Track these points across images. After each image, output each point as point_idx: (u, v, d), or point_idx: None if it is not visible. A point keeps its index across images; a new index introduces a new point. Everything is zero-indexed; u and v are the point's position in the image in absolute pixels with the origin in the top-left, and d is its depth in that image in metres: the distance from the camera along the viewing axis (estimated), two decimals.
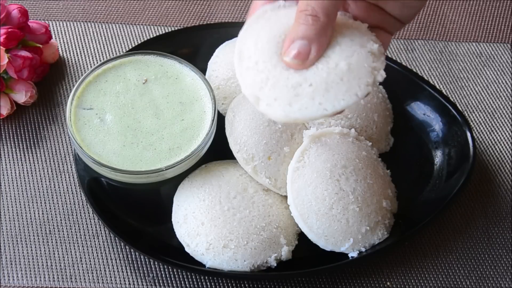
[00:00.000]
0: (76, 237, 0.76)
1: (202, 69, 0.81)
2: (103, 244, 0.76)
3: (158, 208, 0.77)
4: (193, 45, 0.87)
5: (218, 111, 0.78)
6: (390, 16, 0.63)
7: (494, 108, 0.88)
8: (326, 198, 0.71)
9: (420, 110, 0.83)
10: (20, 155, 0.82)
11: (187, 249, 0.72)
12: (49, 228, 0.77)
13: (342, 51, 0.57)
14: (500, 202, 0.80)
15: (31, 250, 0.75)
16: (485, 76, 0.92)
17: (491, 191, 0.81)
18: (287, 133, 0.75)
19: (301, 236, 0.74)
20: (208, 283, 0.74)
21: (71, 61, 0.90)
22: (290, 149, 0.75)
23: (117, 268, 0.74)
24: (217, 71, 0.82)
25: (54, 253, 0.75)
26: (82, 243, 0.76)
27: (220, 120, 0.76)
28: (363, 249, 0.72)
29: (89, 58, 0.91)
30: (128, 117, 0.74)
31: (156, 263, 0.75)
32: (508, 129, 0.86)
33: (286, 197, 0.74)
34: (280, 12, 0.60)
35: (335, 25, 0.58)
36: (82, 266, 0.74)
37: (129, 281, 0.74)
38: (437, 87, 0.88)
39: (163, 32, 0.93)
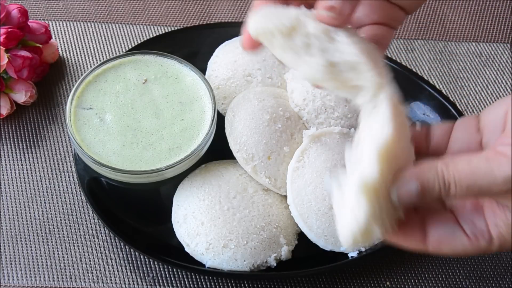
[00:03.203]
0: (76, 237, 0.76)
1: (202, 69, 0.81)
2: (103, 244, 0.76)
3: (158, 208, 0.77)
4: (193, 45, 0.87)
5: (218, 111, 0.78)
6: (395, 6, 0.63)
7: None
8: (325, 198, 0.71)
9: (420, 110, 0.83)
10: (20, 155, 0.82)
11: (187, 249, 0.72)
12: (49, 228, 0.77)
13: None
14: None
15: (31, 250, 0.75)
16: (485, 76, 0.92)
17: None
18: (287, 133, 0.75)
19: (301, 236, 0.74)
20: (208, 283, 0.74)
21: (71, 61, 0.90)
22: (290, 149, 0.75)
23: (117, 268, 0.74)
24: (217, 71, 0.82)
25: (54, 253, 0.75)
26: (82, 243, 0.76)
27: (220, 120, 0.76)
28: (362, 249, 0.72)
29: (89, 58, 0.91)
30: (128, 117, 0.74)
31: (156, 263, 0.75)
32: None
33: (285, 197, 0.74)
34: None
35: None
36: (82, 266, 0.74)
37: (129, 281, 0.74)
38: (437, 87, 0.88)
39: (163, 32, 0.93)
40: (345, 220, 0.52)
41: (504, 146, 0.52)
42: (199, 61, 0.83)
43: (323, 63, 0.54)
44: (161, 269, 0.74)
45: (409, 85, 0.83)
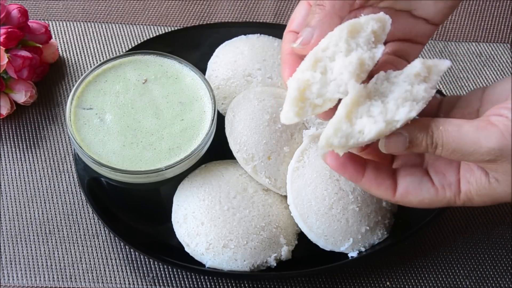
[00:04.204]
0: (76, 237, 0.76)
1: (202, 69, 0.81)
2: (103, 244, 0.76)
3: (158, 208, 0.77)
4: (193, 45, 0.87)
5: (218, 111, 0.78)
6: (420, 19, 0.63)
7: None
8: (325, 198, 0.71)
9: None
10: (20, 155, 0.82)
11: (187, 249, 0.72)
12: (49, 228, 0.77)
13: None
14: None
15: (31, 250, 0.75)
16: (485, 76, 0.92)
17: None
18: (287, 133, 0.75)
19: (301, 236, 0.74)
20: (208, 283, 0.74)
21: (71, 61, 0.90)
22: (290, 149, 0.75)
23: (117, 268, 0.74)
24: (217, 71, 0.82)
25: (54, 253, 0.75)
26: (82, 243, 0.76)
27: (220, 120, 0.76)
28: (362, 249, 0.72)
29: (89, 58, 0.91)
30: (128, 117, 0.74)
31: (156, 263, 0.75)
32: None
33: (286, 197, 0.74)
34: None
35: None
36: (82, 266, 0.74)
37: (129, 281, 0.74)
38: (437, 87, 0.88)
39: (163, 32, 0.93)
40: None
41: (498, 117, 0.54)
42: (199, 61, 0.83)
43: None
44: (161, 269, 0.74)
45: None
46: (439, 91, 0.79)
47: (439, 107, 0.64)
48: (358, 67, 0.56)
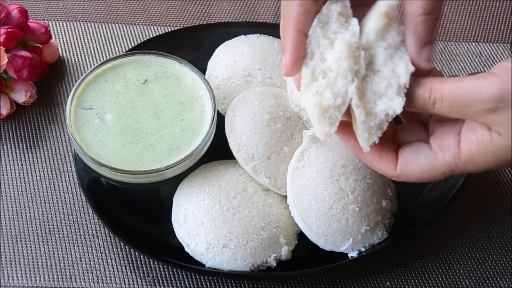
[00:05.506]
0: (76, 237, 0.76)
1: (202, 69, 0.81)
2: (103, 244, 0.76)
3: (158, 208, 0.77)
4: (193, 45, 0.87)
5: (218, 111, 0.78)
6: None
7: None
8: (325, 198, 0.71)
9: None
10: (20, 155, 0.82)
11: (187, 249, 0.72)
12: (49, 228, 0.77)
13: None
14: (500, 202, 0.80)
15: (31, 250, 0.75)
16: None
17: (491, 191, 0.81)
18: (287, 133, 0.75)
19: (301, 236, 0.74)
20: (208, 283, 0.74)
21: (71, 61, 0.90)
22: (290, 149, 0.75)
23: (117, 268, 0.74)
24: (217, 71, 0.82)
25: (54, 253, 0.75)
26: (82, 243, 0.76)
27: (220, 120, 0.76)
28: (362, 249, 0.72)
29: (89, 58, 0.91)
30: (127, 117, 0.74)
31: (155, 263, 0.75)
32: None
33: (285, 197, 0.74)
34: None
35: None
36: (82, 266, 0.74)
37: (129, 281, 0.74)
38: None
39: (163, 32, 0.93)
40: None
41: (497, 68, 0.54)
42: (199, 61, 0.83)
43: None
44: (161, 269, 0.74)
45: None
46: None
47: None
48: (348, 50, 0.58)
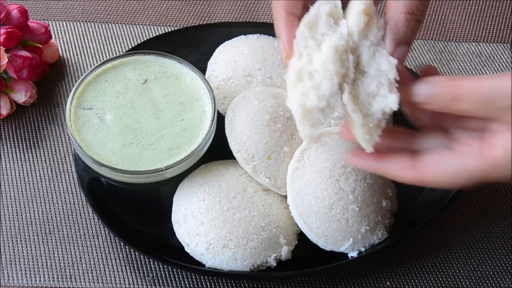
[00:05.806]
0: (76, 237, 0.76)
1: (202, 69, 0.81)
2: (103, 244, 0.76)
3: (158, 208, 0.77)
4: (193, 45, 0.87)
5: (218, 111, 0.78)
6: None
7: None
8: (325, 198, 0.71)
9: None
10: (20, 155, 0.82)
11: (187, 249, 0.72)
12: (49, 228, 0.77)
13: None
14: (500, 202, 0.80)
15: (31, 250, 0.75)
16: None
17: (491, 191, 0.81)
18: (287, 133, 0.75)
19: (301, 236, 0.74)
20: (208, 283, 0.74)
21: (71, 61, 0.90)
22: (290, 149, 0.75)
23: (117, 268, 0.74)
24: (217, 71, 0.82)
25: (54, 253, 0.75)
26: (82, 243, 0.76)
27: (220, 120, 0.76)
28: (362, 249, 0.72)
29: (89, 58, 0.91)
30: (127, 117, 0.74)
31: (156, 263, 0.75)
32: None
33: (285, 197, 0.74)
34: None
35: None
36: (82, 266, 0.74)
37: (129, 281, 0.74)
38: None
39: (163, 32, 0.93)
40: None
41: None
42: (199, 61, 0.83)
43: None
44: (161, 269, 0.74)
45: None
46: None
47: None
48: (335, 53, 0.58)
